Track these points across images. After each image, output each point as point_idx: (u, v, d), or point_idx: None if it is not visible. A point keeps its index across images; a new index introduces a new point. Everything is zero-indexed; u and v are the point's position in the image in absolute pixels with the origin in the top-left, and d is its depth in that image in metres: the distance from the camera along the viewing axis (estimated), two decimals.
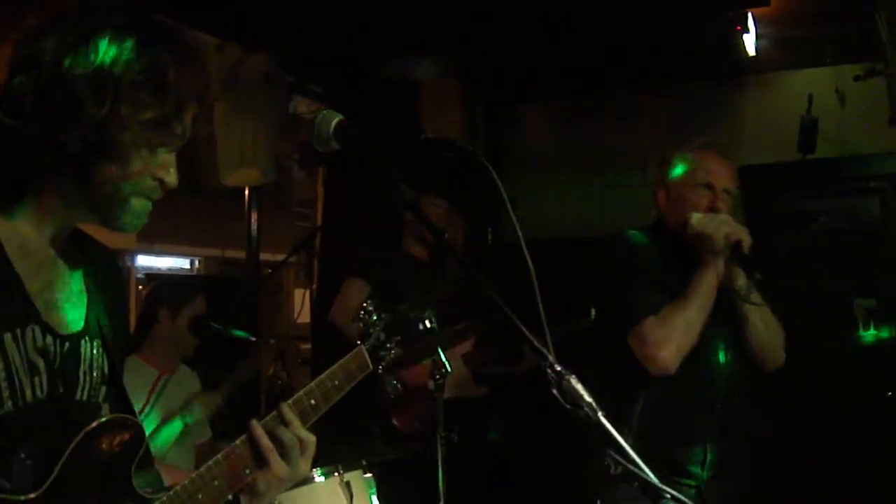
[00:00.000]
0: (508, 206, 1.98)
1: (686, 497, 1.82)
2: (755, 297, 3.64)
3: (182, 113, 1.97)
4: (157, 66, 1.91)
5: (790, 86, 7.29)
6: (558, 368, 1.88)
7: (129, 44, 1.89)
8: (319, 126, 2.17)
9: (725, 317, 3.66)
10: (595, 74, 7.36)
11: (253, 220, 7.47)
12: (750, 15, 6.30)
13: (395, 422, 5.30)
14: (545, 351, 1.91)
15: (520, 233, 1.94)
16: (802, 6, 6.42)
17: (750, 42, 6.58)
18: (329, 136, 2.16)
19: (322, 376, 2.44)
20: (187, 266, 15.97)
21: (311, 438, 2.29)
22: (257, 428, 2.23)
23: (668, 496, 1.82)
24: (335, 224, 7.39)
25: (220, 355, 5.63)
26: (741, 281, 3.63)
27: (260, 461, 2.22)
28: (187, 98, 1.97)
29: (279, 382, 5.87)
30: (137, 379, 4.69)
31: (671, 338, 3.47)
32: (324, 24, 6.18)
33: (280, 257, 10.67)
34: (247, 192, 7.41)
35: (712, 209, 3.63)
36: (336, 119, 2.17)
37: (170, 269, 15.84)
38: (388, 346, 2.70)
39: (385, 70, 7.00)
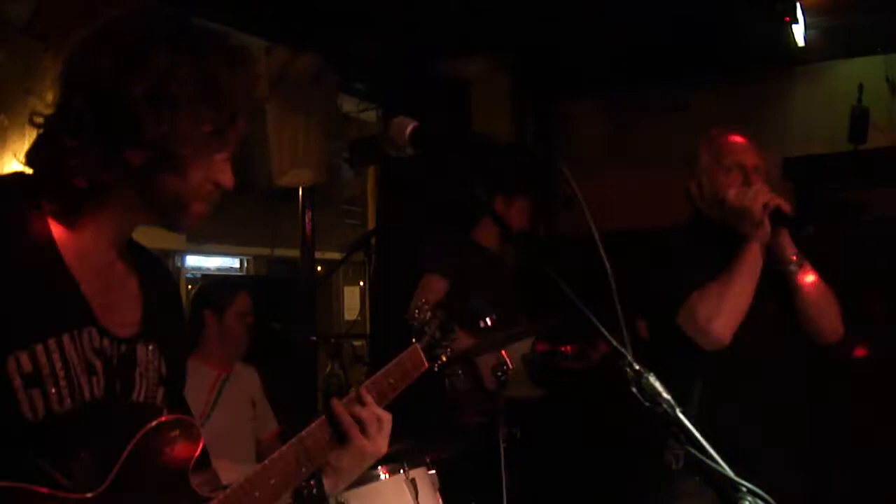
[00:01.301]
0: (584, 204, 2.00)
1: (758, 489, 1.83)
2: (806, 265, 3.62)
3: (237, 120, 2.01)
4: (211, 77, 1.93)
5: (840, 75, 7.25)
6: (637, 367, 1.90)
7: (181, 56, 1.91)
8: (394, 132, 2.21)
9: (776, 293, 3.64)
10: (644, 67, 7.35)
11: (307, 220, 7.50)
12: (798, 5, 6.28)
13: (458, 416, 5.34)
14: (623, 349, 1.93)
15: (595, 231, 1.96)
16: None
17: (799, 32, 6.55)
18: (405, 142, 2.20)
19: (377, 375, 2.48)
20: (237, 265, 15.98)
21: (387, 416, 2.37)
22: (338, 405, 2.31)
23: (745, 489, 1.84)
24: (392, 223, 7.41)
25: (279, 354, 5.69)
26: (790, 250, 3.60)
27: (342, 438, 2.30)
28: (241, 104, 2.01)
29: (336, 380, 5.91)
30: (197, 380, 4.76)
31: (721, 309, 3.46)
32: (373, 22, 6.22)
33: (328, 255, 10.73)
34: (300, 192, 7.45)
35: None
36: (411, 125, 2.20)
37: (218, 269, 15.86)
38: (444, 344, 2.70)
39: (437, 68, 7.02)
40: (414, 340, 2.63)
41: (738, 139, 3.78)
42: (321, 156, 6.81)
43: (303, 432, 2.26)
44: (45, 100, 1.97)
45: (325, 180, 7.12)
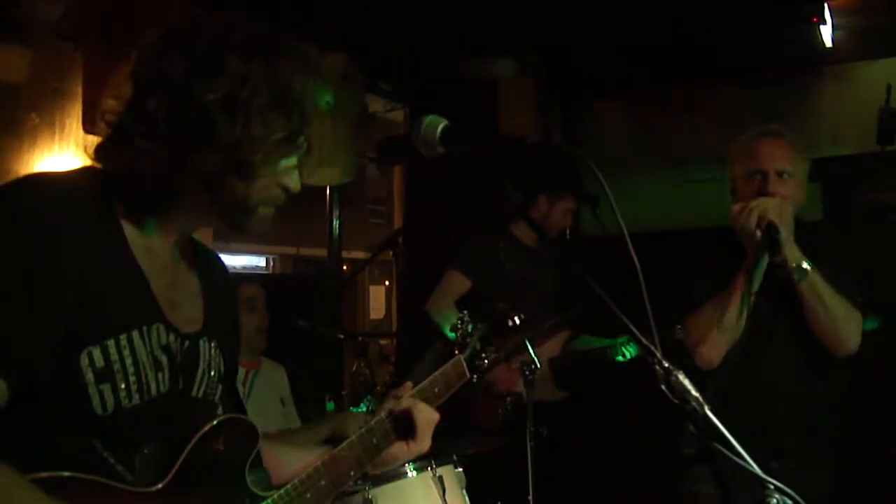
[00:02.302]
0: (614, 204, 2.01)
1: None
2: (812, 277, 3.42)
3: (308, 127, 2.04)
4: (284, 86, 1.96)
5: (868, 76, 7.22)
6: (666, 364, 1.91)
7: (255, 64, 1.93)
8: (425, 131, 2.23)
9: (787, 301, 3.51)
10: (671, 68, 7.34)
11: (334, 219, 7.54)
12: (826, 6, 6.27)
13: (476, 417, 5.36)
14: (652, 347, 1.94)
15: (625, 231, 1.97)
16: None
17: (826, 33, 6.55)
18: (435, 141, 2.22)
19: (423, 383, 2.56)
20: (263, 264, 16.09)
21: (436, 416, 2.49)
22: (418, 404, 2.45)
23: (772, 486, 1.84)
24: (420, 222, 7.42)
25: (305, 352, 5.71)
26: (795, 257, 3.41)
27: (408, 433, 2.43)
28: (311, 111, 2.04)
29: (362, 379, 5.94)
30: None
31: (707, 335, 3.50)
32: (400, 23, 6.23)
33: (354, 254, 10.78)
34: (328, 191, 7.48)
35: (762, 194, 3.50)
36: (442, 124, 2.22)
37: (244, 268, 15.96)
38: (484, 355, 2.77)
39: (464, 69, 7.04)
40: (457, 352, 2.70)
41: (765, 141, 3.64)
42: (348, 155, 6.84)
43: (342, 445, 2.33)
44: (118, 97, 1.98)
45: (353, 180, 7.14)
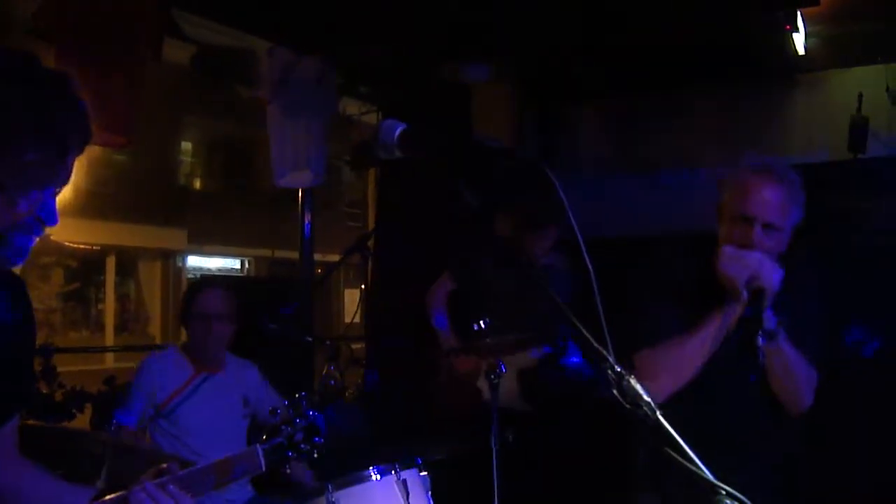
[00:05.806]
0: (569, 212, 2.01)
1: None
2: (776, 343, 3.23)
3: (66, 156, 1.99)
4: (40, 112, 1.92)
5: (840, 84, 7.25)
6: (618, 369, 1.92)
7: (13, 89, 1.90)
8: (383, 135, 2.22)
9: (750, 348, 3.17)
10: (646, 75, 7.36)
11: (306, 222, 7.53)
12: (799, 14, 6.29)
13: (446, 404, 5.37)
14: (605, 352, 1.95)
15: (581, 238, 1.97)
16: (852, 4, 6.40)
17: (799, 41, 6.57)
18: (393, 145, 2.21)
19: (209, 465, 2.42)
20: (237, 266, 16.04)
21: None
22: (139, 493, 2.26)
23: (724, 492, 1.85)
24: (390, 225, 7.43)
25: (275, 354, 5.69)
26: (769, 325, 3.19)
27: None
28: (70, 141, 1.98)
29: (333, 382, 5.92)
30: (177, 371, 4.88)
31: (659, 373, 3.24)
32: (376, 27, 6.23)
33: (330, 257, 10.75)
34: (300, 193, 7.47)
35: (745, 246, 3.26)
36: (400, 128, 2.22)
37: (220, 270, 15.91)
38: (303, 448, 2.52)
39: (439, 74, 7.04)
40: (265, 437, 2.47)
41: (759, 183, 3.31)
42: (321, 158, 6.83)
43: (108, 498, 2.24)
44: None
45: (324, 183, 7.13)
